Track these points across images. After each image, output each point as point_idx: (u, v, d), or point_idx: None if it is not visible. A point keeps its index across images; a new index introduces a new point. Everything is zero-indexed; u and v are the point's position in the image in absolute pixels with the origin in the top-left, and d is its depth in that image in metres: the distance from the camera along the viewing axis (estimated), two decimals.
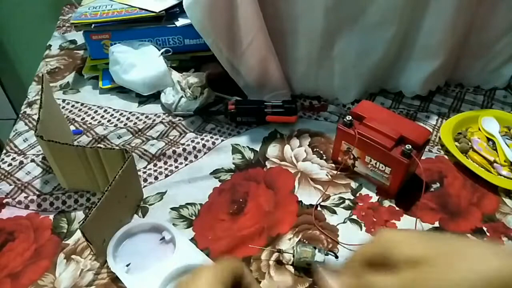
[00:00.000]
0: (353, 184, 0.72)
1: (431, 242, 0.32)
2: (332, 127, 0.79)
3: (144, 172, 0.74)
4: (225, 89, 0.88)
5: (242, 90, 0.86)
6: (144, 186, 0.72)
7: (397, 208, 0.69)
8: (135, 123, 0.84)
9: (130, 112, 0.86)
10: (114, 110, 0.86)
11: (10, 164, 0.74)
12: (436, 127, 0.84)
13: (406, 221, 0.67)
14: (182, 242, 0.60)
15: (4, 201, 0.69)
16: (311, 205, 0.69)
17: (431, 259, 0.30)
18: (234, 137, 0.81)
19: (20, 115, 0.85)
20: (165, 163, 0.75)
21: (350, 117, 0.68)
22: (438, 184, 0.73)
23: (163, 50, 0.86)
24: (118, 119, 0.84)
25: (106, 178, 0.66)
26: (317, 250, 0.59)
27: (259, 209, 0.68)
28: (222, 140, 0.80)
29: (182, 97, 0.83)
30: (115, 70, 0.87)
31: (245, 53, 0.78)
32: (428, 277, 0.30)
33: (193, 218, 0.67)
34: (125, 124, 0.83)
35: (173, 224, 0.65)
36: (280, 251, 0.61)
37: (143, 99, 0.89)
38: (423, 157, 0.72)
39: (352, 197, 0.70)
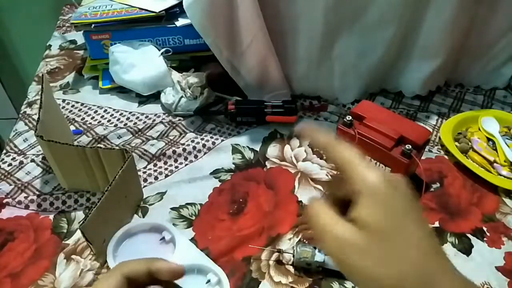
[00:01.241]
0: None
1: (386, 217, 0.30)
2: (332, 127, 0.79)
3: (144, 172, 0.74)
4: (225, 89, 0.88)
5: (242, 90, 0.86)
6: (144, 186, 0.72)
7: None
8: (135, 123, 0.84)
9: (130, 112, 0.86)
10: (114, 110, 0.86)
11: (10, 164, 0.74)
12: (436, 127, 0.84)
13: None
14: (182, 242, 0.60)
15: (4, 201, 0.69)
16: None
17: (374, 236, 0.29)
18: (234, 137, 0.81)
19: (20, 115, 0.85)
20: (165, 163, 0.75)
21: (350, 117, 0.68)
22: (438, 184, 0.73)
23: (163, 50, 0.86)
24: (118, 119, 0.84)
25: (106, 178, 0.66)
26: (317, 250, 0.59)
27: (259, 209, 0.68)
28: (222, 140, 0.80)
29: (182, 97, 0.83)
30: (115, 70, 0.87)
31: (245, 53, 0.78)
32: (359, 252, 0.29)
33: (193, 218, 0.67)
34: (125, 124, 0.83)
35: (173, 224, 0.65)
36: (280, 251, 0.61)
37: (143, 99, 0.89)
38: (423, 157, 0.72)
39: None
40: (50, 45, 1.06)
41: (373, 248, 0.29)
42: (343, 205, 0.32)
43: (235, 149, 0.79)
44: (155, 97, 0.88)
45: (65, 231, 0.65)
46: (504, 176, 0.72)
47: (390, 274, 0.29)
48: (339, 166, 0.32)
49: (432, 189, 0.72)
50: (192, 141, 0.79)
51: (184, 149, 0.77)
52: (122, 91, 0.90)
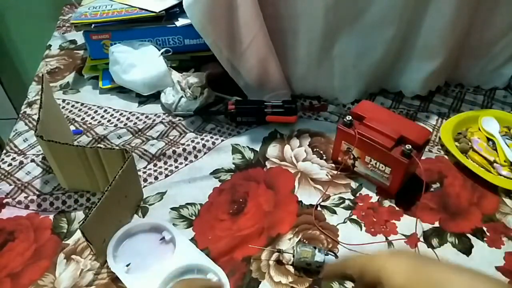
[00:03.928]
0: (353, 184, 0.72)
1: (416, 272, 0.36)
2: (332, 127, 0.79)
3: (144, 172, 0.74)
4: (225, 89, 0.88)
5: (242, 90, 0.86)
6: (144, 186, 0.72)
7: (397, 208, 0.69)
8: (135, 123, 0.84)
9: (130, 112, 0.86)
10: (114, 110, 0.86)
11: (10, 164, 0.74)
12: (436, 127, 0.84)
13: (406, 221, 0.67)
14: (182, 242, 0.60)
15: (4, 201, 0.69)
16: (311, 205, 0.69)
17: None
18: (234, 137, 0.81)
19: (20, 115, 0.85)
20: (165, 163, 0.75)
21: (350, 117, 0.68)
22: (438, 184, 0.73)
23: (163, 50, 0.86)
24: (118, 119, 0.84)
25: (106, 178, 0.66)
26: (317, 250, 0.59)
27: (259, 209, 0.68)
28: (222, 140, 0.80)
29: (182, 97, 0.83)
30: (115, 70, 0.87)
31: (245, 53, 0.78)
32: None
33: (193, 218, 0.67)
34: (125, 124, 0.83)
35: (173, 224, 0.65)
36: (280, 251, 0.61)
37: (143, 99, 0.89)
38: (423, 157, 0.72)
39: (352, 197, 0.70)
40: (50, 45, 1.06)
41: None
42: None
43: (235, 149, 0.79)
44: (155, 97, 0.88)
45: (65, 231, 0.65)
46: (504, 176, 0.72)
47: None
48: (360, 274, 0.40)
49: (432, 189, 0.72)
50: (192, 141, 0.79)
51: (184, 149, 0.77)
52: (122, 91, 0.90)
